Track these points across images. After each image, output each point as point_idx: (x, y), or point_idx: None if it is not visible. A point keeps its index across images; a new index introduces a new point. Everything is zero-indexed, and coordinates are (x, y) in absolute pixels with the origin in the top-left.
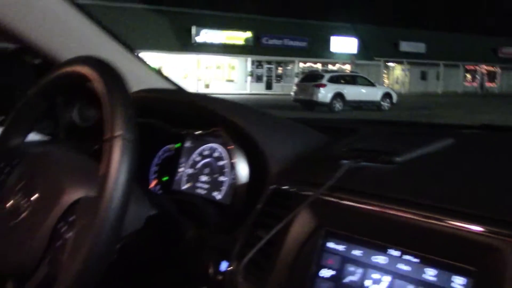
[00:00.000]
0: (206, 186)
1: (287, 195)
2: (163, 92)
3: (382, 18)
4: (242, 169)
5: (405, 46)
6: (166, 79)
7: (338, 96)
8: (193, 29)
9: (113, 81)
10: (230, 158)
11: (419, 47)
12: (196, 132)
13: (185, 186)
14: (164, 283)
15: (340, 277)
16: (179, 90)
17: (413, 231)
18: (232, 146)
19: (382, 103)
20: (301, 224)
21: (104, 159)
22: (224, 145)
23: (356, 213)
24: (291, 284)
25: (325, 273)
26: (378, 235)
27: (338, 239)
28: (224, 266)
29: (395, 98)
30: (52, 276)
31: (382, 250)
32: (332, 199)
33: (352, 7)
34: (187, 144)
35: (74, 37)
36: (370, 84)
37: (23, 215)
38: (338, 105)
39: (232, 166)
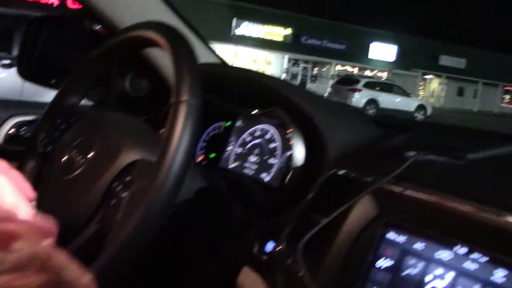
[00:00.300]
0: (254, 167)
1: (347, 181)
2: (221, 67)
3: (424, 29)
4: (299, 152)
5: (445, 60)
6: (218, 56)
7: (372, 102)
8: (234, 21)
9: (182, 48)
10: (285, 140)
11: (459, 62)
12: (253, 112)
13: (232, 165)
14: (207, 258)
15: (398, 269)
16: (236, 67)
17: (483, 228)
18: (291, 129)
19: (415, 114)
20: (361, 211)
21: (168, 123)
22: (278, 127)
23: (421, 205)
24: (346, 271)
25: (383, 263)
26: (444, 230)
27: (399, 230)
28: (270, 246)
29: (429, 111)
30: (102, 233)
31: (447, 246)
32: (396, 189)
33: (394, 16)
34: (238, 123)
35: (138, 6)
36: (405, 94)
37: (78, 171)
38: (371, 112)
39: (285, 149)
